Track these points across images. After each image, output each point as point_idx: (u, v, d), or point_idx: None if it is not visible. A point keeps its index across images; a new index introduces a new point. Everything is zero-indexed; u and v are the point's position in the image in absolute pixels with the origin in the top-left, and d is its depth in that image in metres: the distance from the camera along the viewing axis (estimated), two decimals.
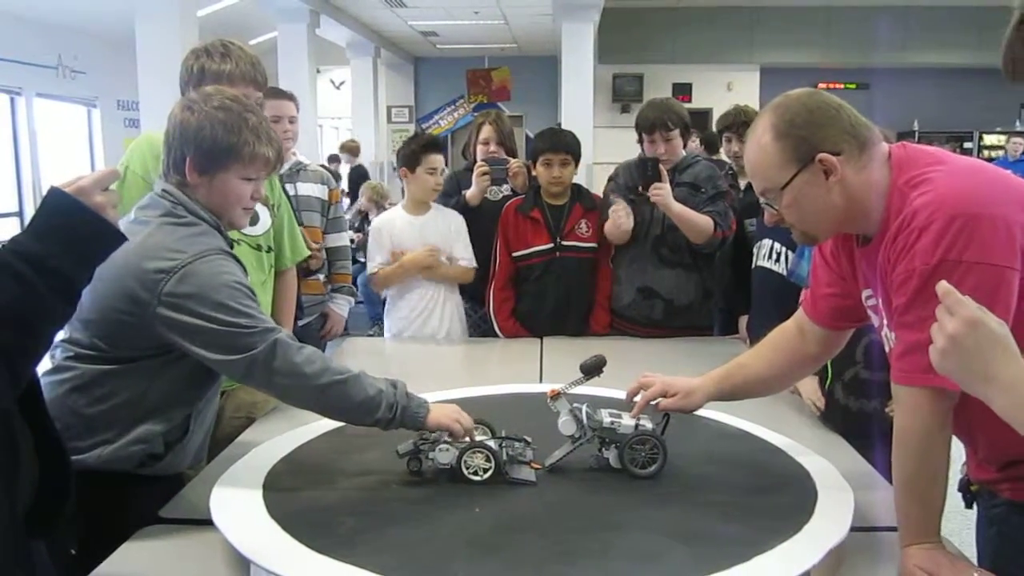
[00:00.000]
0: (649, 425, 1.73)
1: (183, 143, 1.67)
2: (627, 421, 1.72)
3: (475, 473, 1.65)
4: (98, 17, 8.58)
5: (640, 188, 3.10)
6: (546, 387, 1.84)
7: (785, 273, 2.66)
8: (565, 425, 1.73)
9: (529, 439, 1.75)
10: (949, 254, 1.34)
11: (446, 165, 3.41)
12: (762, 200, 1.60)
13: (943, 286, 1.13)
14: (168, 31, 6.14)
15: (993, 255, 1.33)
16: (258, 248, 2.42)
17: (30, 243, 1.14)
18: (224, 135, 1.66)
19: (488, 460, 1.66)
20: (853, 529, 1.49)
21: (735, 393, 1.86)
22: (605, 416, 1.73)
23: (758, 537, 1.41)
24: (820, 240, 1.65)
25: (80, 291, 1.21)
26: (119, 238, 1.26)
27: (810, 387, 2.31)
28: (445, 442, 1.68)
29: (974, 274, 1.32)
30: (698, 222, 3.11)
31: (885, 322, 1.55)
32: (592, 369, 1.77)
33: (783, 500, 1.59)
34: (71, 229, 1.18)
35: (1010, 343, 1.11)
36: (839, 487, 1.64)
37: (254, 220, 2.31)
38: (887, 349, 1.55)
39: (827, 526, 1.46)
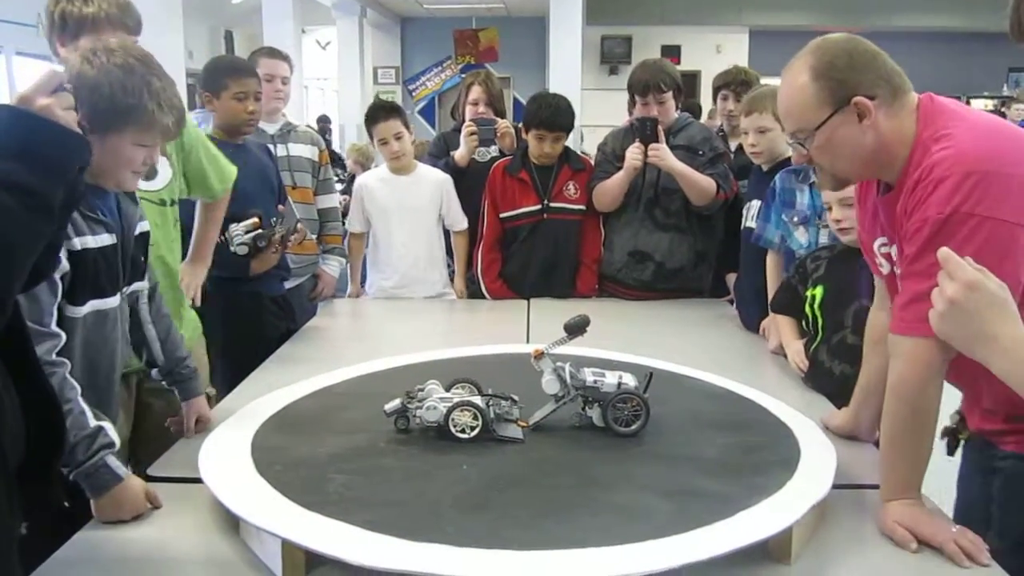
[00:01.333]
0: (632, 383, 1.74)
1: (76, 97, 1.40)
2: (610, 379, 1.74)
3: (463, 431, 1.66)
4: None
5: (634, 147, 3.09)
6: (532, 348, 1.85)
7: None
8: (549, 384, 1.74)
9: (516, 397, 1.76)
10: (962, 207, 1.37)
11: (433, 127, 3.37)
12: (790, 140, 1.63)
13: (944, 251, 1.15)
14: None
15: (1005, 212, 1.36)
16: (161, 203, 2.28)
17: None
18: (123, 96, 1.55)
19: (476, 418, 1.66)
20: (835, 486, 1.51)
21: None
22: (588, 375, 1.75)
23: (741, 493, 1.43)
24: (848, 183, 1.67)
25: (56, 206, 1.11)
26: (76, 139, 1.17)
27: (795, 347, 2.33)
28: (432, 400, 1.68)
29: (985, 228, 1.35)
30: (701, 182, 3.10)
31: (897, 271, 1.58)
32: (575, 328, 1.77)
33: (766, 457, 1.61)
34: (22, 140, 1.10)
35: (1009, 305, 1.12)
36: (822, 445, 1.66)
37: (151, 174, 2.08)
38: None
39: (809, 483, 1.48)
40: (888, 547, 1.44)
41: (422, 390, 1.74)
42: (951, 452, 1.75)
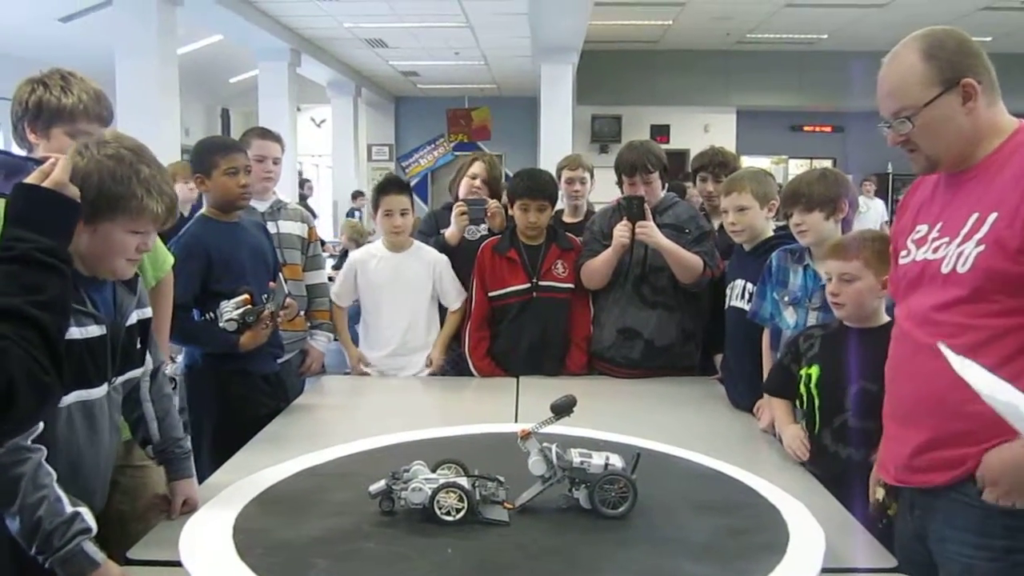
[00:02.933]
0: (619, 464, 1.73)
1: None
2: (597, 460, 1.72)
3: (448, 513, 1.64)
4: (78, 55, 8.59)
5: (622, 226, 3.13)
6: (521, 427, 1.84)
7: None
8: (535, 465, 1.73)
9: (502, 478, 1.73)
10: None
11: (426, 203, 3.43)
12: (885, 122, 1.69)
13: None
14: (148, 69, 6.18)
15: None
16: None
17: (41, 239, 1.25)
18: (112, 185, 1.58)
19: (461, 500, 1.64)
20: (825, 571, 1.50)
21: None
22: (575, 456, 1.73)
23: None
24: (939, 169, 1.71)
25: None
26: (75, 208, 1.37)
27: (791, 432, 2.29)
28: (417, 481, 1.66)
29: None
30: (688, 259, 3.14)
31: (947, 241, 1.63)
32: (562, 409, 1.77)
33: (755, 540, 1.59)
34: (63, 219, 1.32)
35: None
36: (811, 528, 1.65)
37: None
38: (948, 268, 1.61)
39: (798, 567, 1.47)
40: None
41: (407, 471, 1.71)
42: (879, 524, 1.82)
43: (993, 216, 1.56)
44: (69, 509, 1.47)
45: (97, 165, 1.58)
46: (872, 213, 11.21)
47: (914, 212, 1.78)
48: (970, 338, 1.57)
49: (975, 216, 1.59)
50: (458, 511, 1.64)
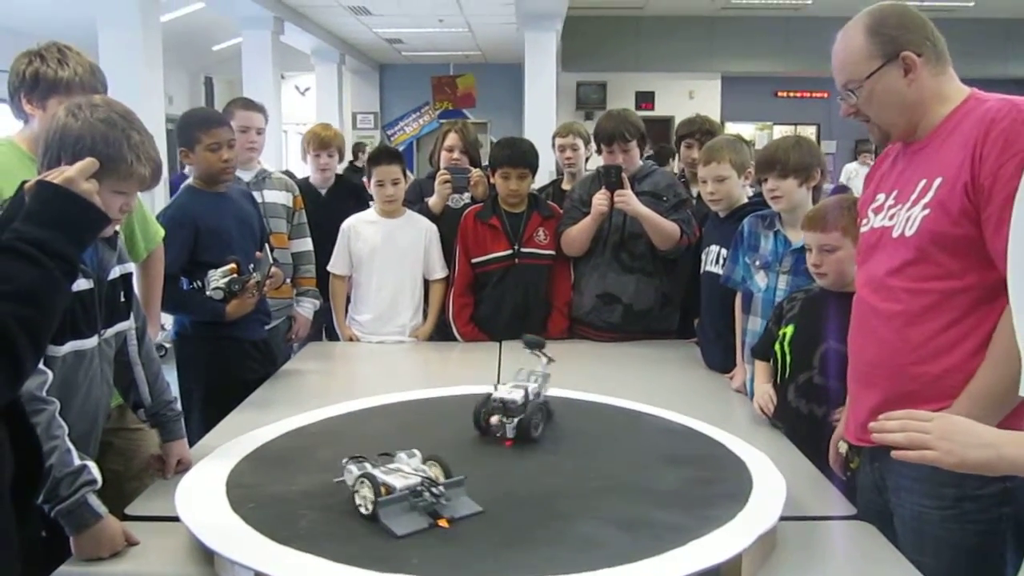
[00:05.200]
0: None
1: (61, 147, 1.65)
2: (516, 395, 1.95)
3: (362, 505, 1.54)
4: (60, 24, 8.53)
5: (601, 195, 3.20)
6: (503, 390, 1.95)
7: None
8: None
9: (462, 497, 1.59)
10: None
11: (412, 171, 3.48)
12: (840, 94, 1.78)
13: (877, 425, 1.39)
14: (131, 38, 6.15)
15: None
16: None
17: (33, 230, 1.24)
18: (103, 147, 1.64)
19: (376, 494, 1.52)
20: (785, 518, 1.59)
21: None
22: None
23: (694, 524, 1.51)
24: (892, 139, 1.81)
25: (78, 268, 1.31)
26: (105, 220, 1.37)
27: (763, 389, 2.38)
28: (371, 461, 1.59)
29: None
30: (665, 227, 3.21)
31: (900, 208, 1.72)
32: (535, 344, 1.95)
33: (720, 490, 1.69)
34: (67, 215, 1.29)
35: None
36: (774, 478, 1.74)
37: None
38: (898, 233, 1.70)
39: (759, 514, 1.56)
40: (833, 575, 1.53)
41: (392, 455, 1.63)
42: (844, 475, 1.94)
43: (939, 181, 1.64)
44: (78, 461, 1.55)
45: (89, 128, 1.65)
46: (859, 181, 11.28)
47: (876, 183, 1.87)
48: (920, 302, 1.67)
49: (923, 182, 1.68)
50: (371, 505, 1.52)
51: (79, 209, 1.30)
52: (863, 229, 1.86)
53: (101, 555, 1.54)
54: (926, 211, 1.65)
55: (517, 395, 1.96)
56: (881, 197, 1.81)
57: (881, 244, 1.76)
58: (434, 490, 1.54)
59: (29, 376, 1.16)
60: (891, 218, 1.74)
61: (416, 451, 1.64)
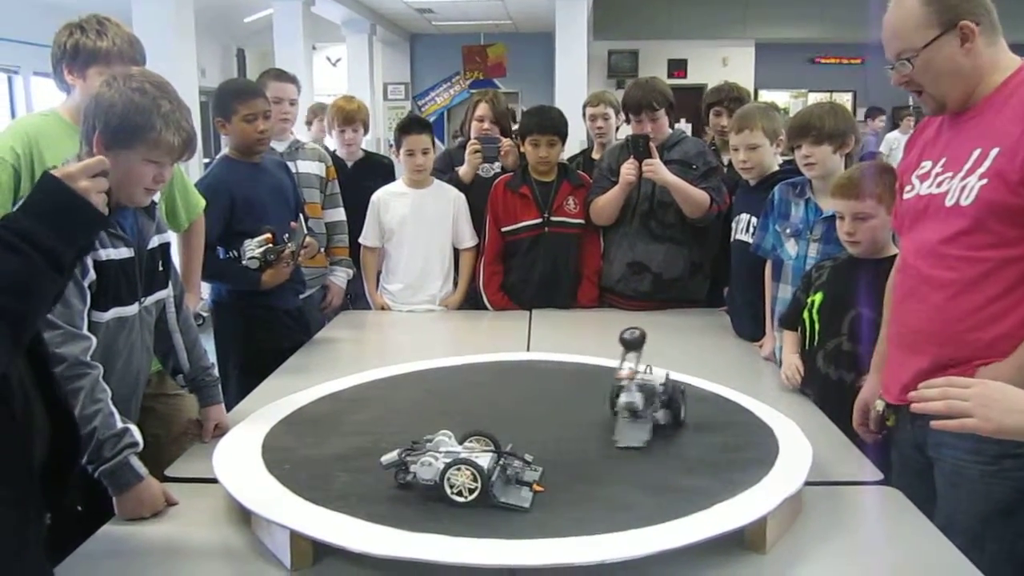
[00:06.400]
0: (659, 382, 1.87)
1: (95, 116, 1.70)
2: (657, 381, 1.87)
3: (459, 493, 1.48)
4: None
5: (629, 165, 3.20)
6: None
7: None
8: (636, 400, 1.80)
9: (530, 458, 1.59)
10: None
11: (442, 142, 3.48)
12: (892, 63, 1.77)
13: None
14: (164, 10, 6.20)
15: None
16: None
17: (24, 221, 1.23)
18: (133, 115, 1.67)
19: (475, 479, 1.47)
20: (810, 483, 1.61)
21: None
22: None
23: (720, 488, 1.53)
24: (947, 109, 1.79)
25: (68, 265, 1.29)
26: (102, 221, 1.35)
27: (791, 359, 2.39)
28: (430, 455, 1.52)
29: None
30: (695, 195, 3.21)
31: (950, 176, 1.72)
32: (633, 344, 1.86)
33: (746, 456, 1.70)
34: (60, 211, 1.28)
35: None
36: (800, 444, 1.75)
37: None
38: (952, 201, 1.70)
39: (784, 478, 1.58)
40: (859, 539, 1.55)
41: (430, 440, 1.57)
42: (879, 432, 1.97)
43: (995, 151, 1.64)
44: (120, 424, 1.61)
45: (121, 96, 1.69)
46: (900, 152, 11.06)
47: (920, 149, 1.86)
48: (974, 270, 1.67)
49: (978, 151, 1.67)
50: (471, 491, 1.47)
51: (73, 206, 1.29)
52: (906, 195, 1.86)
53: (143, 515, 1.60)
54: (984, 180, 1.64)
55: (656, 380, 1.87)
56: (927, 164, 1.80)
57: (931, 212, 1.76)
58: (519, 459, 1.56)
59: (4, 365, 1.16)
60: (939, 185, 1.74)
61: (447, 433, 1.59)
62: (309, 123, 5.23)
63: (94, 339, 1.65)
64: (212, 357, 2.23)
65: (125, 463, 1.59)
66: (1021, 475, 1.65)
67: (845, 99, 13.38)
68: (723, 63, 13.29)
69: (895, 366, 1.88)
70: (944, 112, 1.80)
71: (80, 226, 1.30)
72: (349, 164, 3.95)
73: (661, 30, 13.20)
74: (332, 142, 4.07)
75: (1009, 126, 1.63)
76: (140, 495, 1.61)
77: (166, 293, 1.97)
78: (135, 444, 1.61)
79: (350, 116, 3.95)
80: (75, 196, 1.29)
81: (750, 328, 2.86)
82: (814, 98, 13.43)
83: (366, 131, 4.07)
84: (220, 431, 1.97)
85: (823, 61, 14.18)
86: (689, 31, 13.19)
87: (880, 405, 1.97)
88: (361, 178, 3.81)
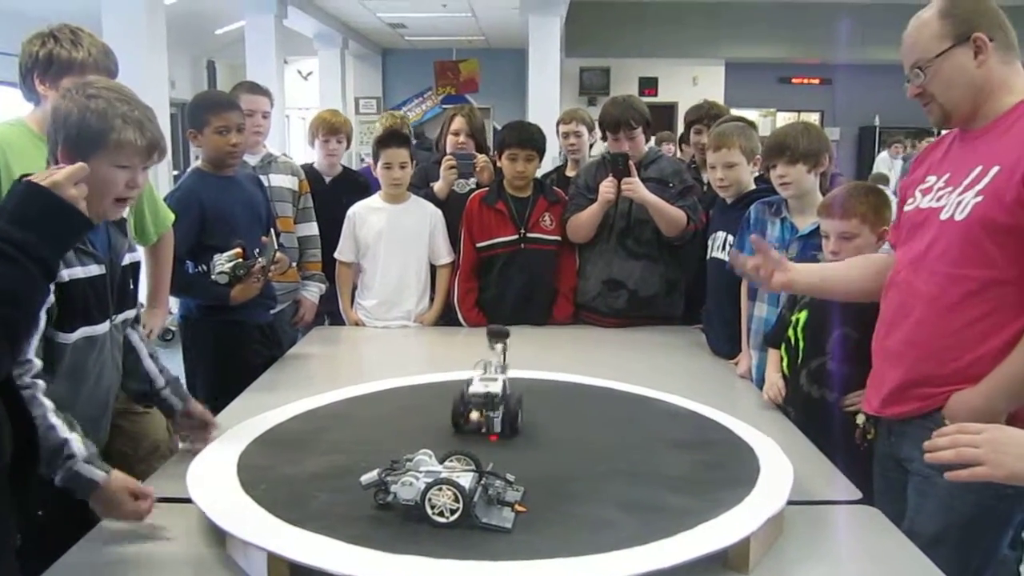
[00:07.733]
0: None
1: (55, 130, 1.65)
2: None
3: (440, 514, 1.45)
4: (64, 7, 8.52)
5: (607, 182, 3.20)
6: (508, 373, 1.94)
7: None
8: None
9: (512, 478, 1.57)
10: None
11: (412, 159, 3.46)
12: (908, 75, 1.80)
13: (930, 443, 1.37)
14: (135, 21, 6.14)
15: None
16: None
17: (13, 230, 1.22)
18: (91, 120, 1.63)
19: (456, 500, 1.45)
20: (792, 502, 1.60)
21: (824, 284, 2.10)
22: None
23: (703, 507, 1.52)
24: (952, 121, 1.82)
25: (56, 273, 1.31)
26: (89, 226, 1.37)
27: (773, 378, 2.39)
28: (410, 474, 1.49)
29: None
30: (672, 214, 3.22)
31: (950, 191, 1.75)
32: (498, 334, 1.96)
33: (728, 474, 1.70)
34: (50, 219, 1.28)
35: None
36: (781, 463, 1.75)
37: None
38: (947, 216, 1.73)
39: (767, 498, 1.57)
40: (839, 558, 1.55)
41: (410, 459, 1.54)
42: (860, 446, 1.99)
43: (995, 169, 1.66)
44: (61, 436, 1.54)
45: (77, 104, 1.64)
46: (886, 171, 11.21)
47: (927, 166, 1.89)
48: (958, 288, 1.70)
49: (979, 168, 1.69)
50: (453, 512, 1.44)
51: (63, 214, 1.29)
52: (907, 208, 1.89)
53: (118, 517, 1.57)
54: (979, 197, 1.67)
55: (495, 387, 1.91)
56: (932, 179, 1.83)
57: (927, 225, 1.78)
58: (500, 479, 1.53)
59: (5, 371, 1.17)
60: (939, 200, 1.76)
61: (427, 452, 1.57)
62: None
63: (37, 363, 1.58)
64: (180, 372, 2.20)
65: (74, 474, 1.54)
66: (985, 491, 1.65)
67: (813, 118, 13.57)
68: (693, 82, 13.45)
69: (876, 378, 1.91)
70: (949, 123, 1.83)
71: (71, 235, 1.33)
72: (327, 179, 3.91)
73: (632, 48, 13.32)
74: (314, 153, 4.02)
75: (1012, 146, 1.66)
76: (104, 497, 1.56)
77: (134, 313, 1.93)
78: (73, 455, 1.55)
79: (335, 127, 3.92)
80: (64, 205, 1.29)
81: (726, 346, 2.87)
82: (783, 117, 13.63)
83: (349, 144, 4.04)
84: (210, 429, 1.97)
85: (791, 81, 14.39)
86: (660, 49, 13.33)
87: (861, 419, 1.99)
88: (339, 193, 3.78)
